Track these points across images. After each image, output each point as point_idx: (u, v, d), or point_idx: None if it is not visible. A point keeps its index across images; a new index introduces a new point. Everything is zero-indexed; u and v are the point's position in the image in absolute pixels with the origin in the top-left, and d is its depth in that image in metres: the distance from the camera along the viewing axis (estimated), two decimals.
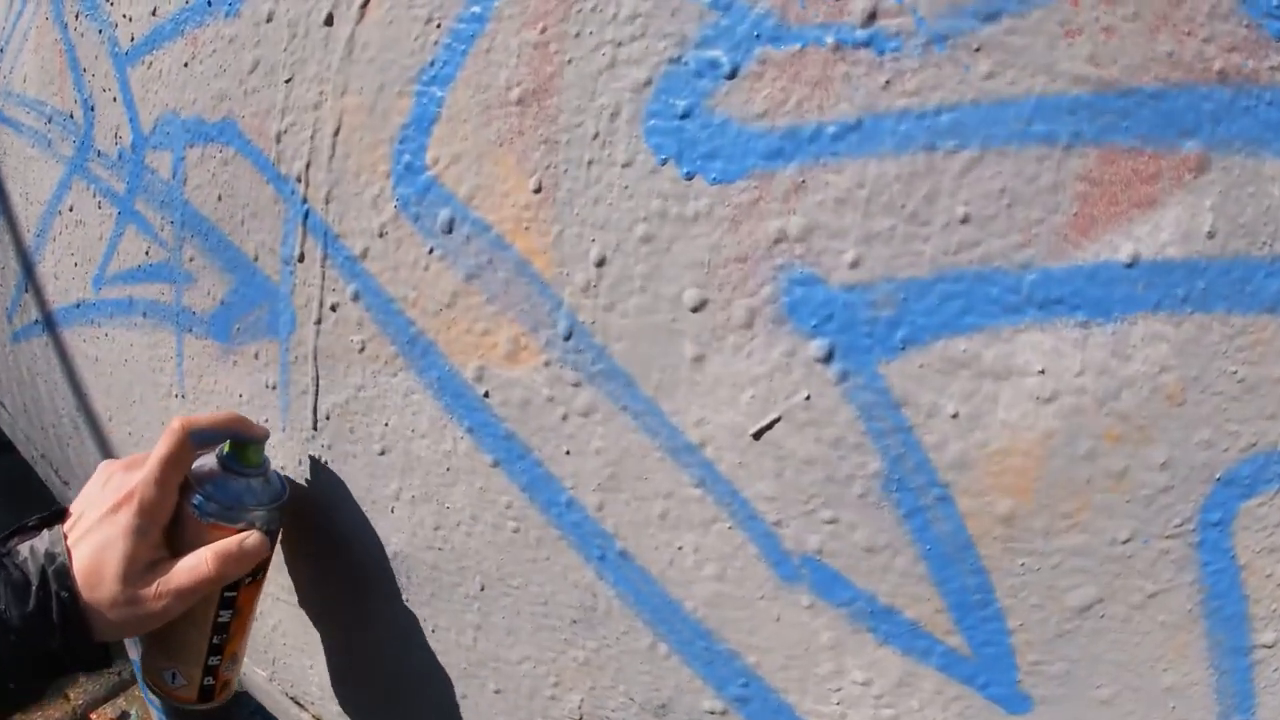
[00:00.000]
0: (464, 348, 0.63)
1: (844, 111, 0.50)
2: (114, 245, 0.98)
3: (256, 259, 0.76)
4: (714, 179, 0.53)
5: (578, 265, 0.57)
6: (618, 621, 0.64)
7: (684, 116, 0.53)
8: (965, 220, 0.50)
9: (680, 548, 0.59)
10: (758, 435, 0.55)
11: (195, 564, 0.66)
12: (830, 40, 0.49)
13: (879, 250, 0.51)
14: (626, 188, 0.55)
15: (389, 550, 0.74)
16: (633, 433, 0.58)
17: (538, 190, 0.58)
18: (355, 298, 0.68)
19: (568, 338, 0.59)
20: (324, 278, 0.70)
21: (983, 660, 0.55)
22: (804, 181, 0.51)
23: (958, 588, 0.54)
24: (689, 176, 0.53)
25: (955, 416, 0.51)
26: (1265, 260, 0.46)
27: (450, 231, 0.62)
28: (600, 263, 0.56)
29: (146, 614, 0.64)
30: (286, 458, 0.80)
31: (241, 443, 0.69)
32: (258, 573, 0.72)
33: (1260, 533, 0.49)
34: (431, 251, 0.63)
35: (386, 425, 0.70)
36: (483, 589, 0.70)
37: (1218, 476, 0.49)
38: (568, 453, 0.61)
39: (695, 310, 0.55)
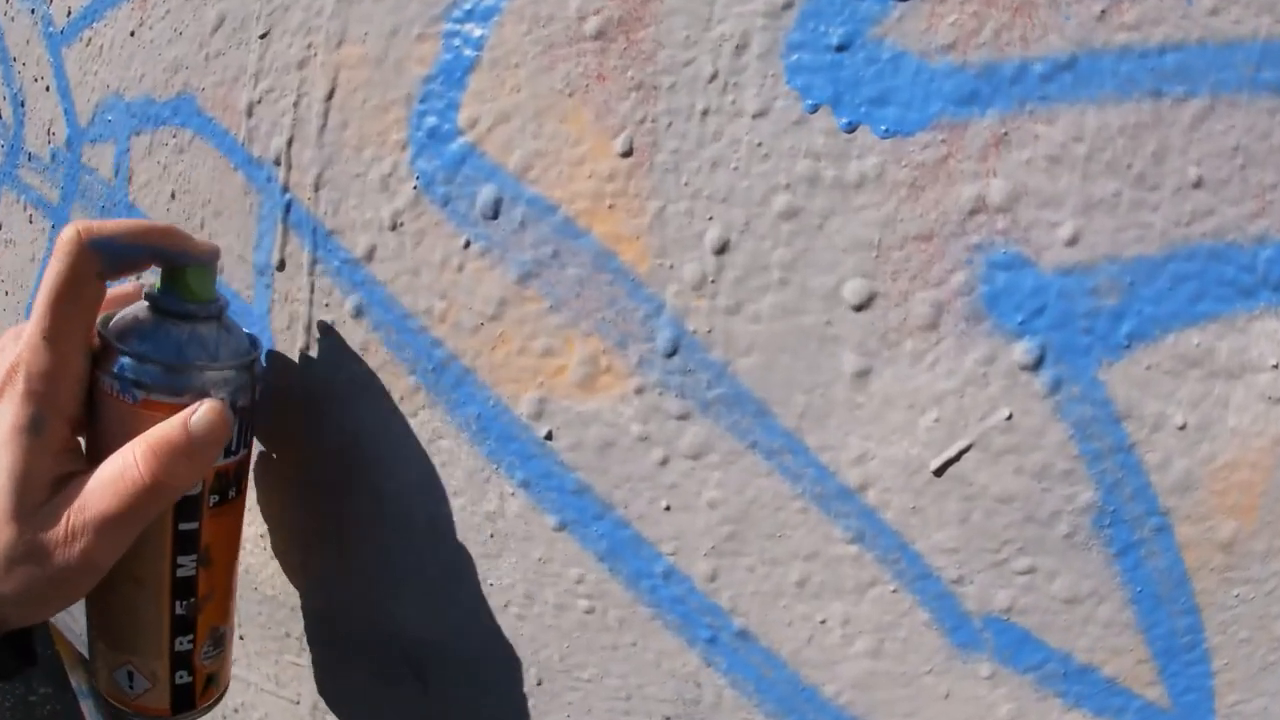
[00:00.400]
0: (516, 374, 0.47)
1: (1054, 46, 0.37)
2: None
3: (220, 271, 0.57)
4: (886, 131, 0.39)
5: (687, 254, 0.42)
6: (729, 715, 0.48)
7: (841, 49, 0.39)
8: (1198, 184, 0.37)
9: (823, 621, 0.45)
10: (940, 471, 0.41)
11: (120, 470, 0.39)
12: None
13: (1101, 222, 0.38)
14: (760, 145, 0.40)
15: (403, 639, 0.56)
16: (764, 477, 0.43)
17: (627, 153, 0.42)
18: (357, 314, 0.51)
19: (671, 354, 0.43)
20: (313, 290, 0.52)
21: (1180, 709, 0.43)
22: (1007, 134, 0.38)
23: (1165, 632, 0.41)
24: (850, 128, 0.39)
25: (1183, 428, 0.39)
26: None
27: (496, 216, 0.45)
28: (721, 249, 0.41)
29: (61, 568, 0.38)
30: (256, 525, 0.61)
31: (177, 266, 0.41)
32: (228, 487, 0.45)
33: None
34: (468, 245, 0.47)
35: (400, 484, 0.53)
36: (540, 683, 0.53)
37: None
38: (667, 508, 0.45)
39: (860, 308, 0.40)
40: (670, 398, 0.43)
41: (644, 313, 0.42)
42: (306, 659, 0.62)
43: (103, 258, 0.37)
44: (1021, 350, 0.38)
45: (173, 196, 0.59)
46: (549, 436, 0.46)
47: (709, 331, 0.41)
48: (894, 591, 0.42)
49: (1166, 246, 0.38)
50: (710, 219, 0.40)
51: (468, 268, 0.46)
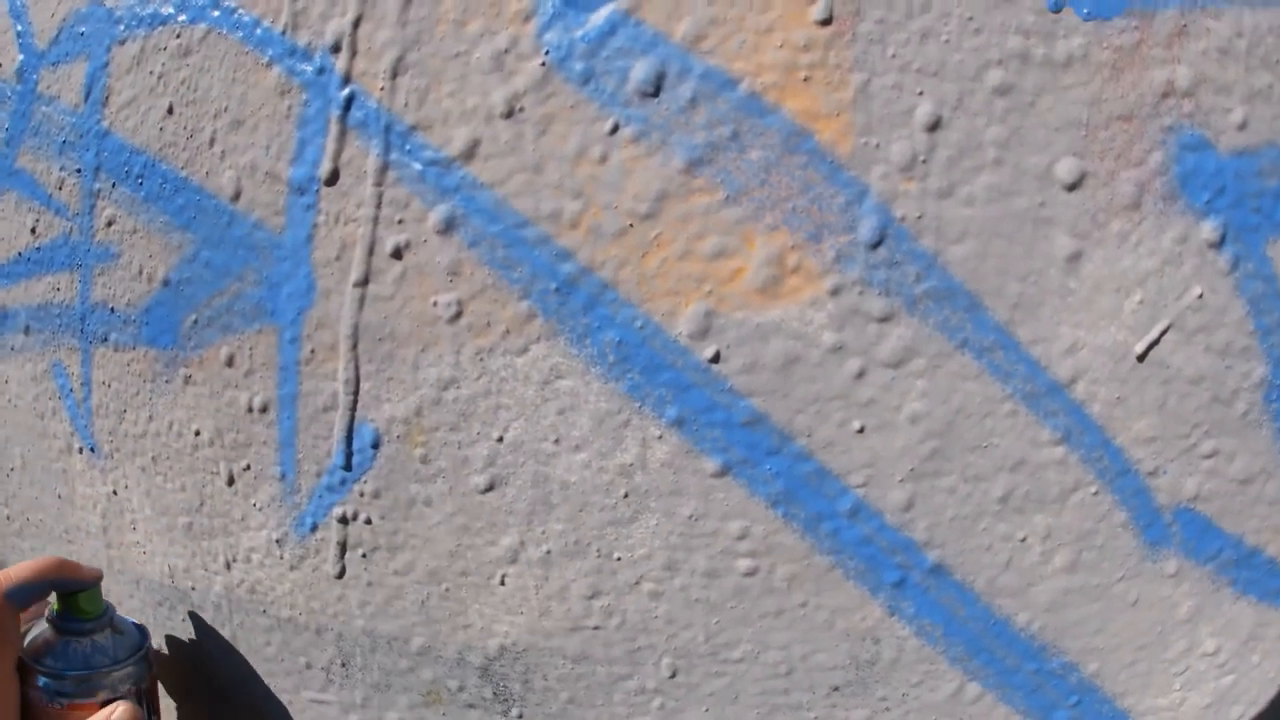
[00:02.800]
0: (674, 285, 0.31)
1: None
2: None
3: (237, 196, 0.34)
4: (1087, 13, 0.31)
5: (895, 132, 0.28)
6: (909, 670, 0.34)
7: None
8: None
9: (1024, 539, 0.33)
10: (1143, 356, 0.32)
11: None
12: None
13: (1261, 110, 0.32)
14: (970, 19, 0.29)
15: (488, 650, 0.34)
16: (973, 380, 0.31)
17: (826, 21, 0.30)
18: (447, 228, 0.32)
19: (876, 245, 0.30)
20: (379, 204, 0.33)
21: None
22: (1185, 26, 0.31)
23: None
24: (1056, 8, 0.30)
25: None
26: None
27: (657, 94, 0.30)
28: (933, 126, 0.29)
29: None
30: (276, 522, 0.36)
31: (69, 592, 0.40)
32: None
33: None
34: (616, 130, 0.30)
35: (500, 440, 0.33)
36: (673, 675, 0.35)
37: None
38: (860, 430, 0.31)
39: (1071, 188, 0.31)
40: (872, 296, 0.30)
41: (844, 199, 0.30)
42: (335, 693, 0.38)
43: (16, 603, 0.38)
44: (1209, 229, 0.31)
45: (170, 112, 0.35)
46: (715, 359, 0.31)
47: (919, 218, 0.30)
48: (1095, 494, 0.32)
49: None
50: (920, 94, 0.29)
51: (614, 157, 0.31)
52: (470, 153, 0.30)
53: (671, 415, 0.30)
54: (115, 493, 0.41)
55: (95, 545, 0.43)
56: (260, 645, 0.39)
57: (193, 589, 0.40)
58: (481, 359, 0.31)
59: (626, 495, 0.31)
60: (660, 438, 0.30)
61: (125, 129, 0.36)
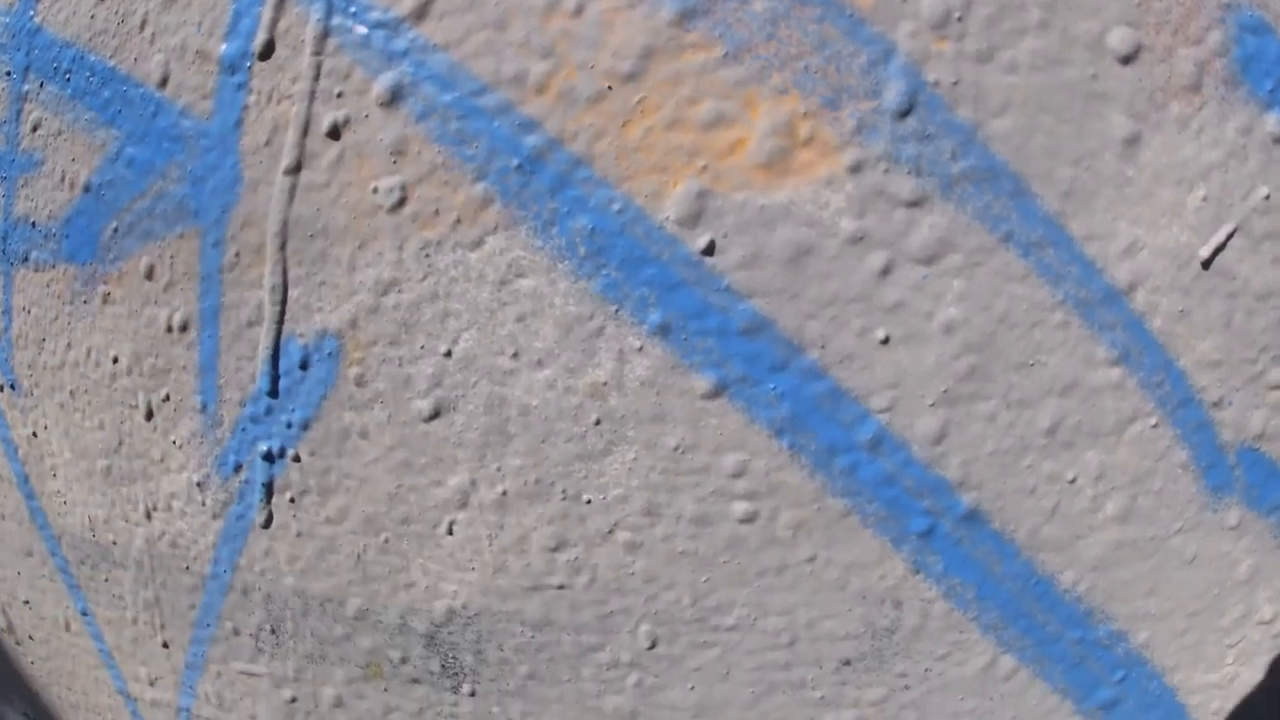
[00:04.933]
0: (661, 159, 0.20)
1: None
2: None
3: (164, 81, 0.23)
4: None
5: None
6: (934, 641, 0.24)
7: None
8: None
9: (1073, 480, 0.23)
10: (1208, 262, 0.23)
11: None
12: None
13: None
14: None
15: (434, 615, 0.23)
16: (1018, 282, 0.21)
17: None
18: (393, 99, 0.22)
19: (904, 114, 0.20)
20: (317, 75, 0.23)
21: None
22: None
23: None
24: None
25: None
26: None
27: None
28: None
29: None
30: (200, 462, 0.26)
31: None
32: None
33: None
34: None
35: (448, 355, 0.23)
36: (652, 645, 0.24)
37: None
38: (885, 341, 0.20)
39: (1126, 61, 0.21)
40: (900, 176, 0.21)
41: (867, 59, 0.21)
42: (266, 664, 0.27)
43: None
44: (1274, 121, 0.23)
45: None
46: (709, 250, 0.21)
47: (955, 84, 0.20)
48: (1154, 426, 0.22)
49: None
50: None
51: (591, 8, 0.21)
52: (422, 11, 0.21)
53: (655, 321, 0.20)
54: (35, 435, 0.30)
55: (16, 498, 0.32)
56: (185, 609, 0.27)
57: (114, 543, 0.28)
58: (427, 255, 0.21)
59: (599, 422, 0.21)
60: (641, 350, 0.21)
61: (56, 22, 0.26)
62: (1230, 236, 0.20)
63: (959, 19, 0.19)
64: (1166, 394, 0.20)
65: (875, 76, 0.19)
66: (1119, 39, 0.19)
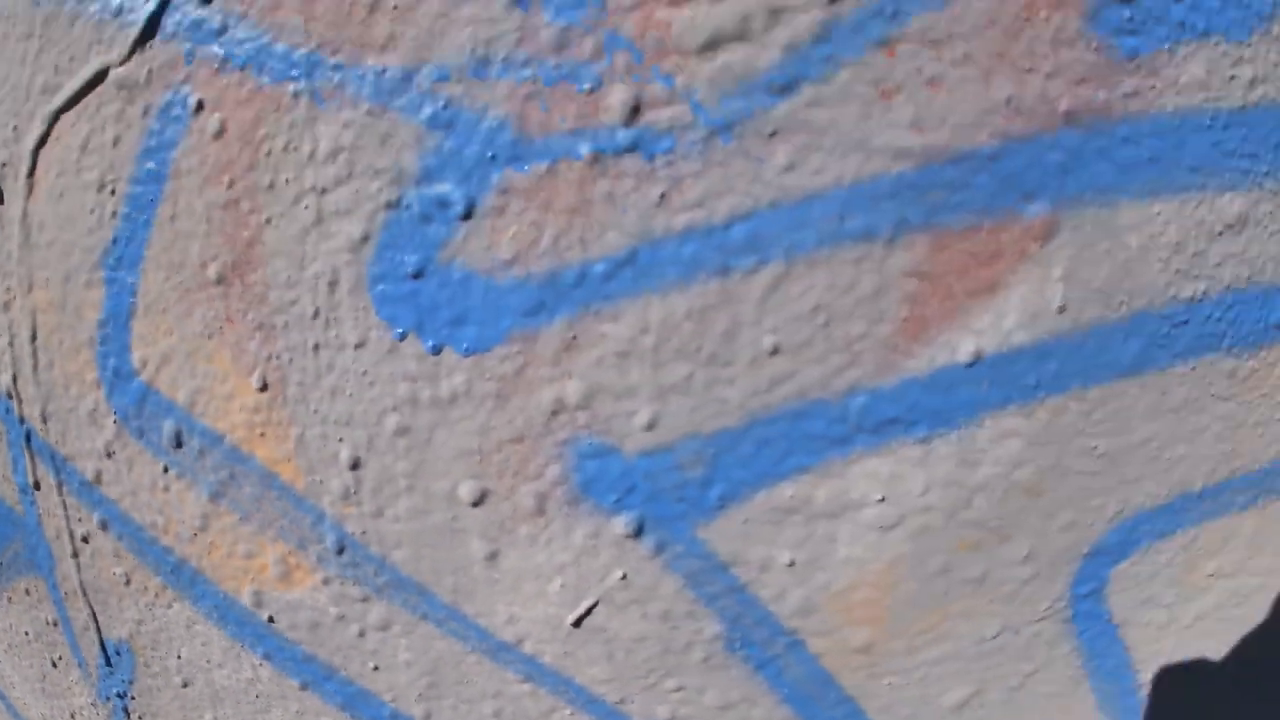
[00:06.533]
0: (232, 573, 0.35)
1: (613, 243, 0.27)
2: None
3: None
4: (466, 349, 0.29)
5: (330, 470, 0.30)
6: None
7: (417, 276, 0.29)
8: (775, 351, 0.27)
9: None
10: (578, 623, 0.32)
11: None
12: (585, 151, 0.25)
13: (676, 404, 0.28)
14: (365, 374, 0.30)
15: None
16: (440, 640, 0.33)
17: (264, 388, 0.31)
18: (104, 527, 0.38)
19: (340, 552, 0.32)
20: (65, 507, 0.39)
21: None
22: (575, 337, 0.28)
23: (827, 719, 0.33)
24: (436, 350, 0.29)
25: (792, 565, 0.29)
26: (1123, 322, 0.27)
27: (180, 446, 0.34)
28: (354, 465, 0.30)
29: None
30: (89, 694, 0.46)
31: None
32: None
33: (1135, 590, 0.31)
34: (167, 470, 0.35)
35: (179, 658, 0.40)
36: None
37: (1085, 552, 0.30)
38: (376, 668, 0.35)
39: (476, 504, 0.30)
40: (350, 586, 0.32)
41: (310, 520, 0.32)
42: None
43: None
44: (622, 523, 0.29)
45: None
46: (271, 620, 0.35)
47: (363, 533, 0.31)
48: (572, 714, 0.33)
49: (746, 416, 0.29)
50: (341, 440, 0.30)
51: (173, 489, 0.34)
52: (98, 479, 0.35)
53: (261, 651, 0.35)
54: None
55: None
56: None
57: None
58: (150, 609, 0.37)
59: (259, 695, 0.36)
60: (260, 664, 0.36)
61: None
62: (592, 608, 0.28)
63: (355, 492, 0.28)
64: (573, 696, 0.30)
65: (319, 530, 0.29)
66: (467, 490, 0.27)
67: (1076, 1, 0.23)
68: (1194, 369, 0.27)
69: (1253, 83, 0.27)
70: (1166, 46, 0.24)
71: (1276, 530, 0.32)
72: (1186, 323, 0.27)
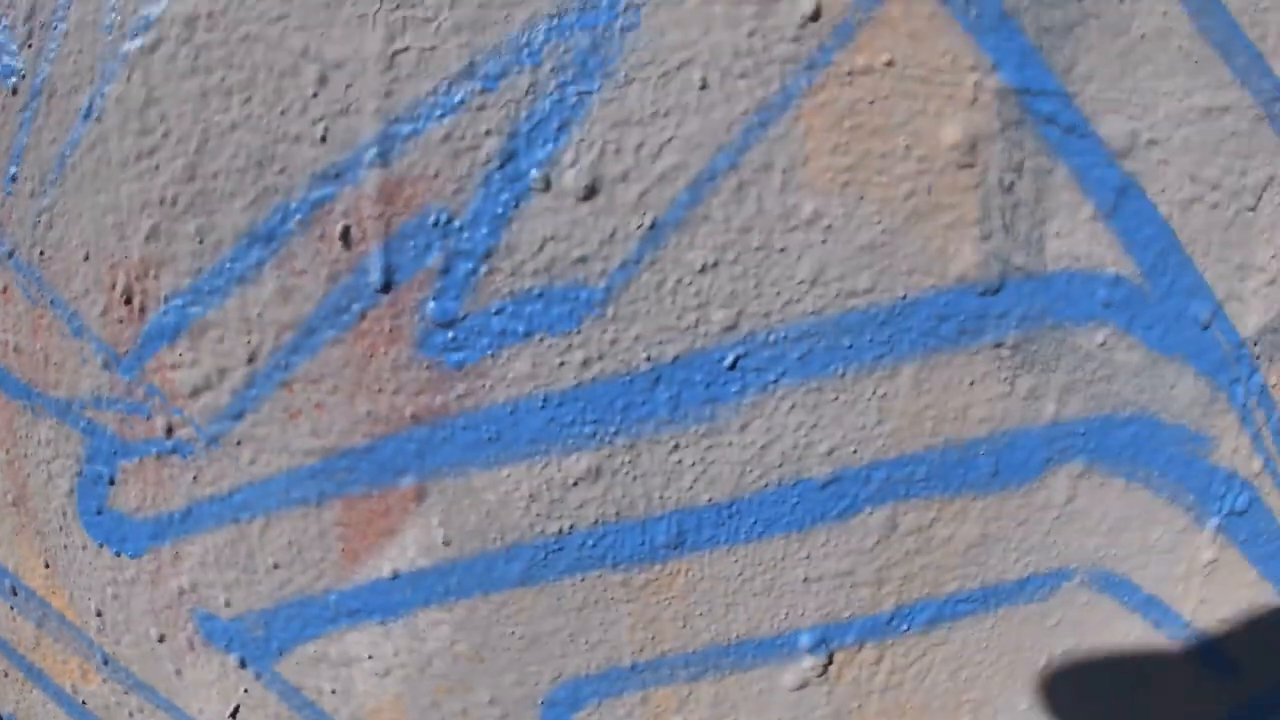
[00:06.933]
0: (59, 672, 0.54)
1: (179, 502, 0.44)
2: None
3: None
4: (131, 555, 0.45)
5: (88, 616, 0.50)
6: None
7: (99, 513, 0.45)
8: (277, 566, 0.43)
9: None
10: (233, 715, 0.47)
11: None
12: (154, 451, 0.43)
13: (238, 594, 0.45)
14: (91, 563, 0.47)
15: None
16: None
17: (46, 565, 0.48)
18: None
19: (106, 663, 0.50)
20: None
21: None
22: (178, 553, 0.45)
23: None
24: (118, 554, 0.46)
25: (334, 692, 0.45)
26: (502, 550, 0.40)
27: (15, 594, 0.52)
28: (99, 614, 0.48)
29: None
30: None
31: None
32: None
33: None
34: (12, 608, 0.53)
35: None
36: None
37: (540, 701, 0.43)
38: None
39: (162, 641, 0.47)
40: (117, 685, 0.52)
41: (86, 644, 0.51)
42: None
43: None
44: (234, 660, 0.46)
45: None
46: (84, 703, 0.54)
47: (114, 653, 0.51)
48: None
49: (275, 602, 0.44)
50: (89, 600, 0.47)
51: (17, 620, 0.52)
52: None
53: None
54: None
55: None
56: None
57: None
58: (23, 692, 0.55)
59: None
60: None
61: None
62: (237, 708, 0.43)
63: (101, 630, 0.44)
64: None
65: (92, 651, 0.47)
66: (154, 633, 0.43)
67: (407, 335, 0.35)
68: (584, 580, 0.38)
69: (586, 363, 0.37)
70: (490, 353, 0.35)
71: (740, 696, 0.40)
72: (561, 549, 0.38)
